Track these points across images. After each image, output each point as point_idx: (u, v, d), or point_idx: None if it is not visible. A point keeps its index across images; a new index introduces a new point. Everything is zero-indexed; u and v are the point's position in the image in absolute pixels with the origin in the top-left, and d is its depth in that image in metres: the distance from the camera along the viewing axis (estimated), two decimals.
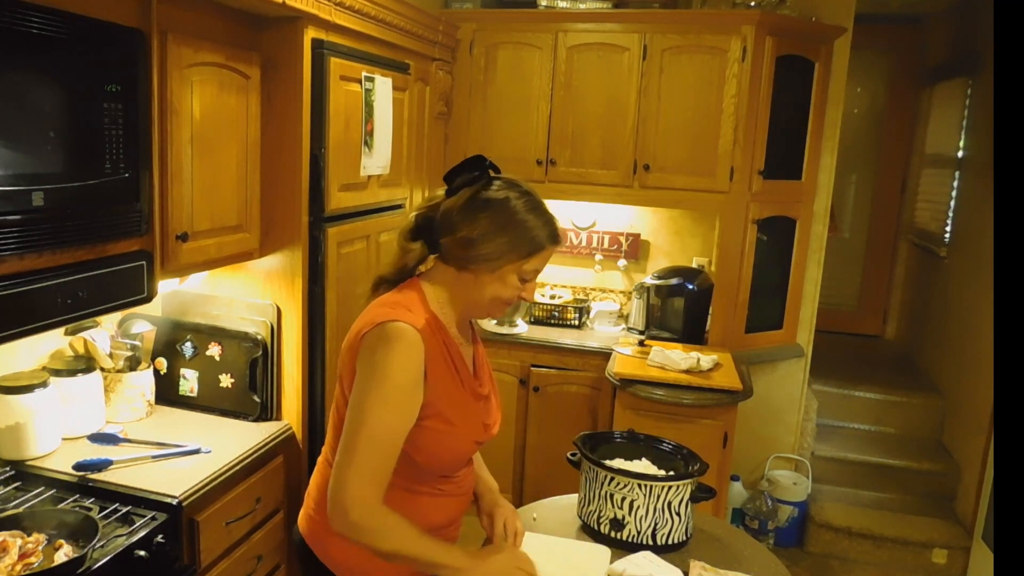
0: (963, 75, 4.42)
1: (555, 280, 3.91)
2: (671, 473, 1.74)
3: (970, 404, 3.77)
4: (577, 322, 3.61)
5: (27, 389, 1.87)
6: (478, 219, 1.37)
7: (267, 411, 2.30)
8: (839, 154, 3.56)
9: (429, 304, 1.42)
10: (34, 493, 1.73)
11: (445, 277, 1.44)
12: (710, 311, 3.41)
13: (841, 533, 3.61)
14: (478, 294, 1.42)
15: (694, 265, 3.68)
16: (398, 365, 1.30)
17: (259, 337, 2.27)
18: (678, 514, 1.68)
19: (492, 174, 1.42)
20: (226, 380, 2.29)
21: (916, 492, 3.85)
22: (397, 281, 1.47)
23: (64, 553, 1.48)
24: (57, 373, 1.99)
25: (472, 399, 1.47)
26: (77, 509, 1.63)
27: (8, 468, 1.82)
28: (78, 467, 1.84)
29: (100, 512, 1.66)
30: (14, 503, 1.68)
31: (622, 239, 3.79)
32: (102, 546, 1.55)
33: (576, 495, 1.83)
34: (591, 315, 3.65)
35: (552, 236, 1.41)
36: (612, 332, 3.56)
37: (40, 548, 1.49)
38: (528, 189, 1.43)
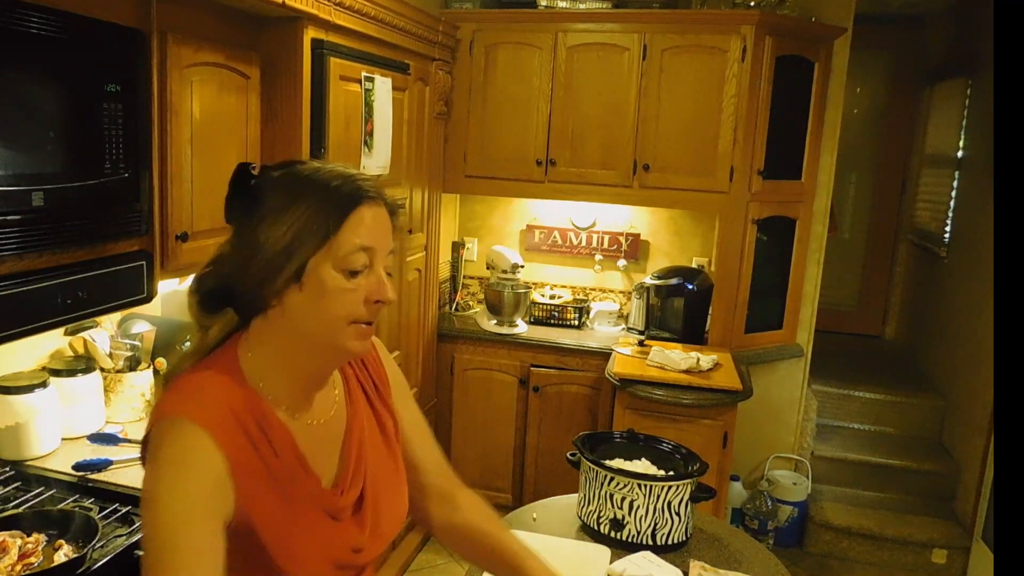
0: (963, 75, 4.42)
1: (555, 280, 3.91)
2: (671, 473, 1.74)
3: (970, 404, 3.77)
4: (577, 322, 3.61)
5: (27, 389, 1.87)
6: (251, 221, 0.96)
7: None
8: (839, 154, 3.56)
9: (245, 376, 0.99)
10: (34, 493, 1.73)
11: (257, 333, 1.00)
12: (710, 311, 3.41)
13: (841, 533, 3.62)
14: (305, 329, 0.97)
15: (694, 265, 3.68)
16: (171, 485, 0.89)
17: None
18: (678, 514, 1.68)
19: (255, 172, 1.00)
20: None
21: (916, 492, 3.85)
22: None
23: (64, 553, 1.48)
24: (57, 373, 1.99)
25: (314, 515, 1.01)
26: (77, 509, 1.63)
27: (8, 468, 1.82)
28: (78, 467, 1.84)
29: (100, 512, 1.66)
30: (14, 503, 1.68)
31: (622, 239, 3.79)
32: (102, 546, 1.54)
33: (576, 495, 1.83)
34: (591, 315, 3.65)
35: (357, 189, 0.97)
36: (612, 332, 3.56)
37: (40, 548, 1.49)
38: (320, 161, 1.05)
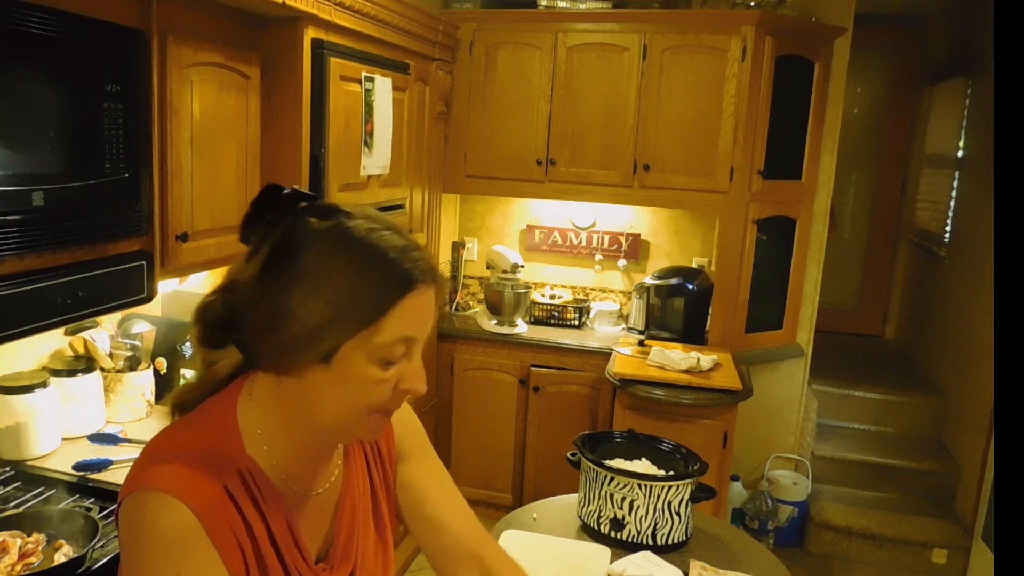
0: (963, 75, 4.42)
1: (555, 280, 3.91)
2: (671, 473, 1.74)
3: (970, 404, 3.77)
4: (577, 322, 3.61)
5: (27, 389, 1.87)
6: (282, 279, 0.84)
7: None
8: (839, 154, 3.56)
9: (243, 440, 0.89)
10: (34, 493, 1.73)
11: (265, 392, 0.90)
12: (710, 311, 3.41)
13: (841, 533, 3.62)
14: (321, 408, 0.86)
15: (694, 265, 3.68)
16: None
17: None
18: (678, 514, 1.68)
19: (302, 205, 0.90)
20: None
21: (916, 492, 3.84)
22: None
23: (64, 553, 1.48)
24: (57, 373, 1.99)
25: None
26: (77, 509, 1.63)
27: (8, 468, 1.82)
28: (78, 467, 1.84)
29: (100, 512, 1.66)
30: (14, 503, 1.68)
31: (622, 239, 3.79)
32: (102, 546, 1.54)
33: (576, 495, 1.83)
34: (591, 315, 3.65)
35: (411, 271, 0.84)
36: (612, 332, 3.56)
37: (40, 548, 1.49)
38: (363, 212, 0.89)
